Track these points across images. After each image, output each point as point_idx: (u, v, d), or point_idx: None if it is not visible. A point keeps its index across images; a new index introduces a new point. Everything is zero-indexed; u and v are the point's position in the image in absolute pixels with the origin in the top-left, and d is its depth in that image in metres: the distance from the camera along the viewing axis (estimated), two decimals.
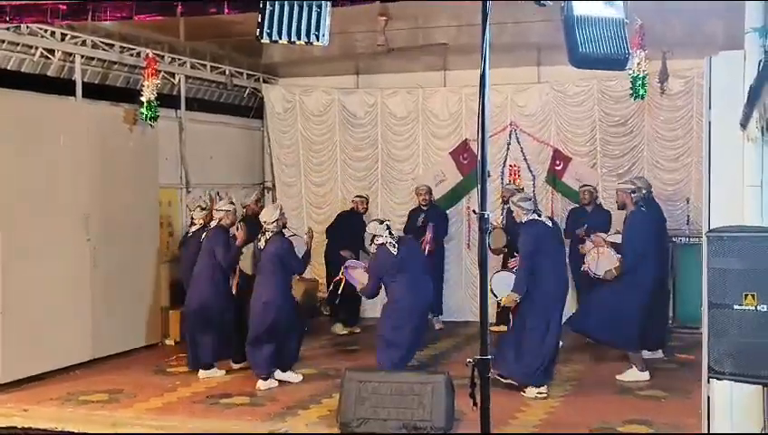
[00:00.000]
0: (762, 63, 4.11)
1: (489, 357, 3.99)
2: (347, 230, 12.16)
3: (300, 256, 9.36)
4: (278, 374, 9.20)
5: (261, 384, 9.06)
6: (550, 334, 8.62)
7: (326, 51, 11.53)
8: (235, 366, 9.90)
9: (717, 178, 6.00)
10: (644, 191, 9.72)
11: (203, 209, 10.80)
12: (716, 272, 4.68)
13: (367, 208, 12.56)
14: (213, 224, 9.92)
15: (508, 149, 12.88)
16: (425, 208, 12.22)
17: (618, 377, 9.32)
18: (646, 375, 9.27)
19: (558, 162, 12.62)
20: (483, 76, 3.86)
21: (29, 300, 9.30)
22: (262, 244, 9.17)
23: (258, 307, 9.08)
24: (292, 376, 9.32)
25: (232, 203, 10.21)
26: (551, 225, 8.98)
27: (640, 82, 9.40)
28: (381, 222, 9.40)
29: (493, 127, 12.72)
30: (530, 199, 9.08)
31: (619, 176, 12.13)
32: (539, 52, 12.52)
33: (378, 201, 13.63)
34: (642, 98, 9.72)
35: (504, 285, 9.14)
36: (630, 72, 9.28)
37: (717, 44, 8.60)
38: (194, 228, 10.60)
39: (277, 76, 14.40)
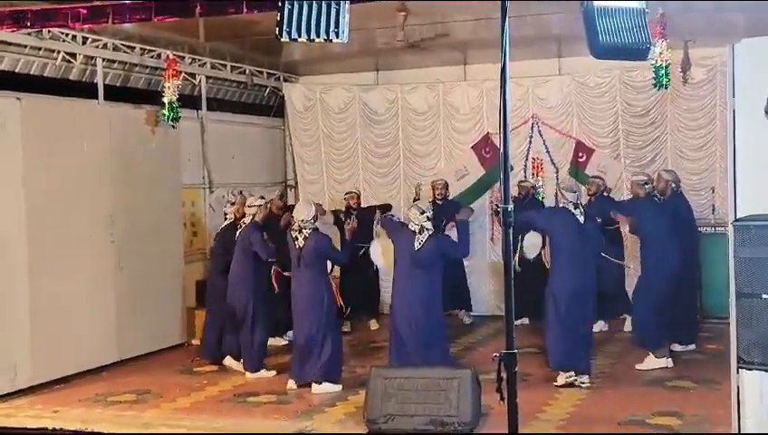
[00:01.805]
0: None
1: (515, 351, 3.98)
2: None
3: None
4: (315, 388, 8.86)
5: (315, 389, 8.86)
6: (566, 324, 8.64)
7: (345, 48, 11.48)
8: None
9: (742, 167, 5.94)
10: (672, 185, 10.10)
11: (232, 204, 10.84)
12: (744, 261, 4.65)
13: (359, 203, 12.36)
14: (246, 220, 9.89)
15: (530, 142, 12.85)
16: (440, 202, 12.17)
17: (637, 366, 9.36)
18: (663, 362, 9.29)
19: (581, 154, 12.54)
20: (503, 70, 3.84)
21: (56, 303, 9.37)
22: (300, 242, 8.95)
23: (302, 306, 8.99)
24: (330, 387, 8.89)
25: (262, 198, 10.18)
26: (581, 220, 8.77)
27: (663, 71, 9.33)
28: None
29: (514, 120, 12.66)
30: (575, 192, 8.95)
31: (642, 166, 12.10)
32: (559, 43, 12.44)
33: (400, 197, 13.63)
34: (665, 88, 9.65)
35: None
36: (653, 61, 9.21)
37: (739, 32, 8.52)
38: (225, 223, 10.66)
39: (297, 74, 14.43)
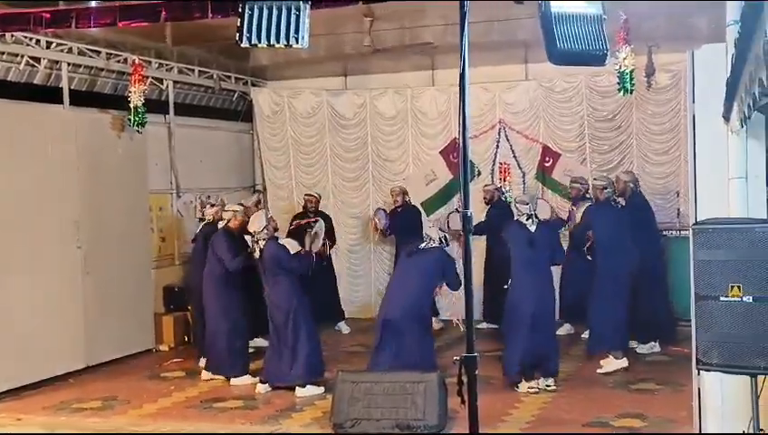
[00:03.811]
0: (734, 56, 4.11)
1: (476, 354, 4.00)
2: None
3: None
4: (299, 391, 8.91)
5: (300, 392, 8.90)
6: (522, 332, 8.71)
7: (314, 53, 11.55)
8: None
9: (703, 171, 6.02)
10: (631, 185, 10.37)
11: (212, 205, 10.78)
12: (703, 264, 4.68)
13: (317, 207, 12.39)
14: (220, 225, 9.85)
15: (497, 147, 12.90)
16: (399, 211, 12.17)
17: (599, 370, 9.42)
18: (624, 362, 9.40)
19: (547, 159, 12.63)
20: (462, 76, 3.87)
21: (21, 308, 9.30)
22: (257, 253, 9.11)
23: (273, 312, 9.06)
24: (313, 390, 8.97)
25: (241, 204, 10.13)
26: (533, 230, 8.96)
27: (627, 77, 9.42)
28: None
29: (482, 125, 12.76)
30: (527, 204, 9.08)
31: (608, 171, 12.20)
32: (526, 49, 12.50)
33: (369, 201, 13.64)
34: (630, 93, 9.75)
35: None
36: (617, 67, 9.30)
37: (703, 37, 8.61)
38: (203, 224, 10.61)
39: (265, 79, 14.40)
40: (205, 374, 9.79)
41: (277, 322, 9.05)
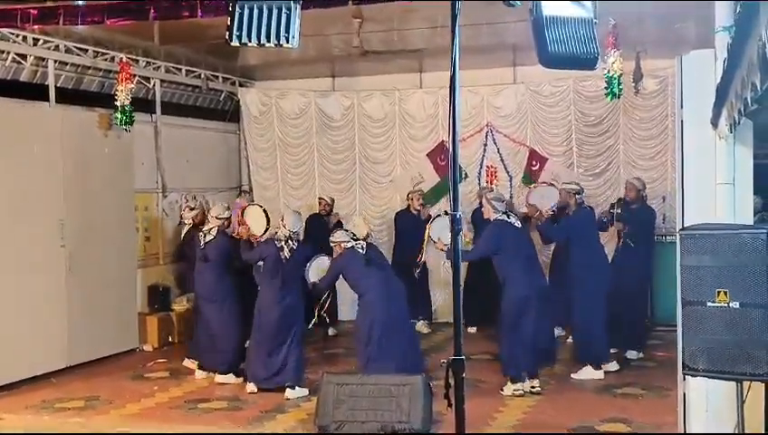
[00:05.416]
0: (726, 62, 4.12)
1: (463, 357, 3.98)
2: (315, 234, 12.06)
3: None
4: (290, 392, 8.90)
5: (289, 393, 8.89)
6: (523, 332, 8.67)
7: (302, 53, 11.52)
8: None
9: (690, 177, 6.02)
10: (644, 193, 10.48)
11: (192, 209, 10.70)
12: (689, 269, 4.68)
13: (329, 212, 12.42)
14: (214, 231, 9.70)
15: (485, 150, 12.92)
16: (416, 213, 12.12)
17: (573, 375, 9.39)
18: (600, 374, 9.33)
19: (534, 163, 12.66)
20: (453, 77, 3.85)
21: (4, 307, 9.23)
22: (287, 253, 8.96)
23: (280, 314, 8.99)
24: (301, 391, 8.97)
25: (229, 209, 10.10)
26: (519, 225, 8.96)
27: (615, 81, 9.44)
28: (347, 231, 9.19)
29: (469, 128, 12.77)
30: (503, 201, 9.08)
31: (595, 175, 12.25)
32: (514, 52, 12.52)
33: (355, 203, 13.64)
34: (617, 97, 9.76)
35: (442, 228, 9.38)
36: (605, 71, 9.32)
37: (691, 43, 8.63)
38: (185, 229, 10.55)
39: (253, 79, 14.38)
40: (199, 374, 9.79)
41: (273, 323, 8.99)
